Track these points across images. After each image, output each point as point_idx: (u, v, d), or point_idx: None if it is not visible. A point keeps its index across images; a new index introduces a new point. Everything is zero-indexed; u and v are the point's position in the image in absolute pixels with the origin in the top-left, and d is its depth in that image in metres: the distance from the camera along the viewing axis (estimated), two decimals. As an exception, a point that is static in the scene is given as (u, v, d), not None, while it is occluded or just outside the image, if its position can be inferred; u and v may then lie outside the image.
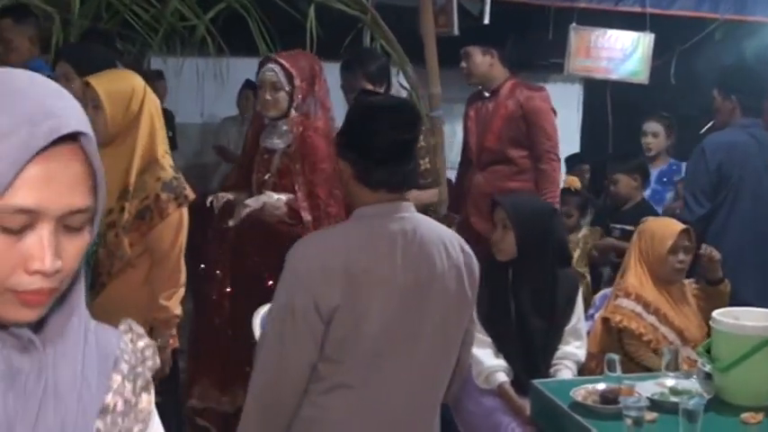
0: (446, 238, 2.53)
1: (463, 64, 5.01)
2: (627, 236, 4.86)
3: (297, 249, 2.46)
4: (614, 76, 7.31)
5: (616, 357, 3.25)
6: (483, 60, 4.95)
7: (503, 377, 3.59)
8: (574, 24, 7.20)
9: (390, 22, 5.84)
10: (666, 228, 4.02)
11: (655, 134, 6.20)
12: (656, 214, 5.27)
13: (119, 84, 3.34)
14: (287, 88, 3.89)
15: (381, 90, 4.40)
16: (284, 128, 3.96)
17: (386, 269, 2.39)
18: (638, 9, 7.14)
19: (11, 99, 1.01)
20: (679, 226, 4.00)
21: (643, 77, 7.21)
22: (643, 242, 3.99)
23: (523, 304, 3.67)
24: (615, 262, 5.10)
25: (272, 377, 2.41)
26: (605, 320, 3.90)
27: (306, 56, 4.21)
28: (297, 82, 3.89)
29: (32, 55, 4.59)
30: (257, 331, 3.28)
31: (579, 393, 3.16)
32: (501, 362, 3.62)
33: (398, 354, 2.43)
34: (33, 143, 0.99)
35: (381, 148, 2.43)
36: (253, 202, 3.82)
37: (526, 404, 3.48)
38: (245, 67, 5.73)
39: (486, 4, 6.04)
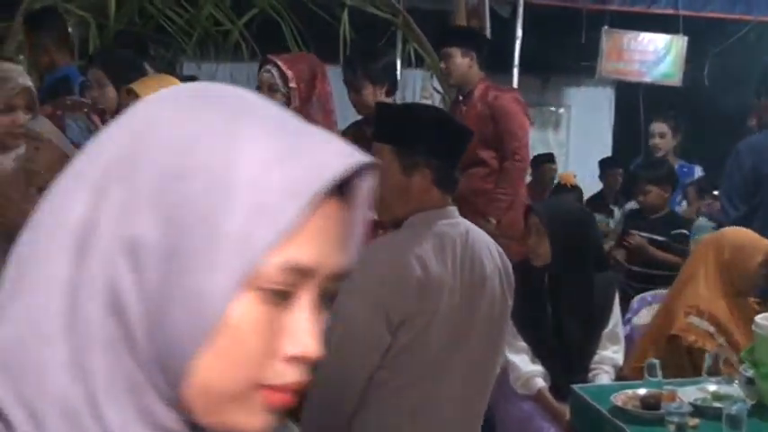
0: (489, 242, 2.54)
1: (442, 64, 4.97)
2: (654, 245, 4.87)
3: (367, 258, 2.40)
4: (647, 79, 7.29)
5: (656, 362, 3.22)
6: (462, 62, 4.86)
7: (540, 383, 3.57)
8: (606, 27, 7.19)
9: (422, 26, 5.84)
10: (755, 240, 3.87)
11: (662, 135, 6.10)
12: (687, 226, 5.20)
13: (160, 90, 3.36)
14: (283, 90, 3.85)
15: (383, 91, 4.28)
16: None
17: (448, 275, 2.37)
18: (671, 11, 7.11)
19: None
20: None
21: (676, 80, 7.18)
22: (726, 254, 3.83)
23: (560, 309, 3.64)
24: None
25: (332, 389, 2.36)
26: (674, 338, 3.77)
27: (307, 58, 4.17)
28: (292, 84, 3.85)
29: (61, 57, 4.60)
30: None
31: (619, 398, 3.12)
32: (538, 367, 3.60)
33: (455, 359, 2.42)
34: (327, 174, 0.73)
35: (458, 150, 2.50)
36: None
37: (565, 409, 3.46)
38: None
39: (520, 6, 6.01)
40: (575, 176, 6.65)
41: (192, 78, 6.74)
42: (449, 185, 2.46)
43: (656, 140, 6.11)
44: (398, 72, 6.74)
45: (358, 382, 2.37)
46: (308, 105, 3.87)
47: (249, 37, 5.64)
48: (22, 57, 4.84)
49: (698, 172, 6.01)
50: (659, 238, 4.98)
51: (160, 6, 5.58)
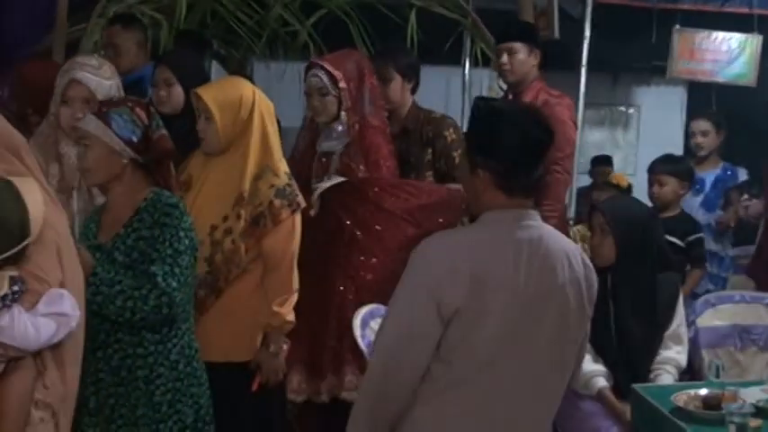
0: (570, 251, 2.50)
1: (504, 59, 4.62)
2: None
3: (423, 249, 2.45)
4: (720, 79, 7.16)
5: (719, 362, 3.20)
6: (527, 60, 4.62)
7: (602, 382, 3.57)
8: (677, 26, 7.09)
9: (490, 26, 5.85)
10: None
11: (704, 132, 5.73)
12: (698, 230, 4.98)
13: (227, 92, 3.44)
14: (334, 92, 3.84)
15: (410, 86, 4.32)
16: (339, 129, 3.91)
17: (510, 276, 2.37)
18: (745, 10, 6.99)
19: None
20: None
21: (750, 80, 7.05)
22: None
23: (624, 309, 3.63)
24: None
25: (386, 375, 2.41)
26: None
27: (352, 55, 4.10)
28: (342, 84, 3.84)
29: (140, 59, 4.74)
30: (357, 331, 3.32)
31: (680, 398, 3.11)
32: (600, 367, 3.59)
33: (512, 361, 2.41)
34: None
35: (524, 152, 2.41)
36: (321, 183, 3.86)
37: (626, 409, 3.44)
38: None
39: (588, 6, 5.96)
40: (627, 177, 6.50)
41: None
42: (514, 189, 2.42)
43: (699, 139, 5.77)
44: (466, 71, 6.81)
45: (412, 368, 2.38)
46: (359, 104, 3.89)
47: (317, 37, 5.70)
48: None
49: (742, 175, 5.73)
50: (677, 241, 4.73)
51: (231, 8, 5.67)
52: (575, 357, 2.57)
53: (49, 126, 3.41)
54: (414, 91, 4.39)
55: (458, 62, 6.85)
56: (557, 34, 5.90)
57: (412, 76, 4.33)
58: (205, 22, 5.71)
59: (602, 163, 7.67)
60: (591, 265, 2.57)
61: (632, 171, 8.09)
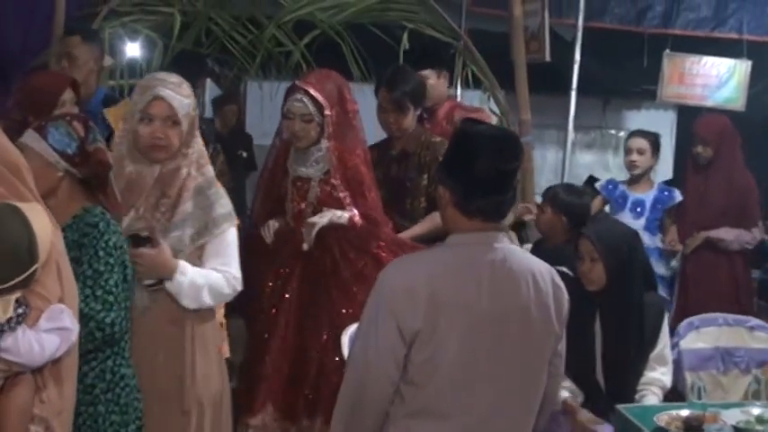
0: (536, 270, 2.52)
1: None
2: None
3: (386, 270, 2.51)
4: (709, 103, 7.22)
5: (702, 384, 3.23)
6: (438, 83, 4.76)
7: (565, 393, 3.58)
8: (668, 51, 7.15)
9: (482, 48, 5.90)
10: None
11: (640, 151, 5.63)
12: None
13: None
14: (317, 119, 3.71)
15: (418, 113, 4.27)
16: (318, 154, 3.80)
17: (469, 297, 2.40)
18: (735, 35, 7.06)
19: None
20: None
21: (739, 105, 7.12)
22: None
23: (612, 331, 3.65)
24: None
25: (357, 390, 2.47)
26: None
27: (331, 76, 3.89)
28: (327, 111, 3.71)
29: (93, 76, 4.62)
30: (345, 349, 3.33)
31: (662, 419, 3.14)
32: (566, 382, 3.58)
33: (480, 382, 2.44)
34: None
35: (482, 178, 2.43)
36: (318, 219, 3.72)
37: (589, 416, 3.47)
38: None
39: (578, 30, 6.03)
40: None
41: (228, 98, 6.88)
42: (472, 211, 2.46)
43: (634, 157, 5.64)
44: (458, 93, 6.85)
45: (379, 384, 2.43)
46: (340, 128, 3.79)
47: (310, 57, 5.75)
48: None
49: (678, 197, 5.64)
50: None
51: (225, 27, 5.72)
52: (544, 374, 2.58)
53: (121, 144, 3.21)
54: (421, 117, 4.41)
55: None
56: (548, 57, 5.97)
57: (421, 103, 4.33)
58: (200, 41, 5.75)
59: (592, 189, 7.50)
60: (561, 284, 2.59)
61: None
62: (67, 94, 3.91)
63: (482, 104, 5.81)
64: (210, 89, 7.94)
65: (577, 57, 5.99)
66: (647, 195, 5.65)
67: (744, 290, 5.56)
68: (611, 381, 3.66)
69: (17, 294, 2.25)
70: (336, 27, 5.71)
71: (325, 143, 3.77)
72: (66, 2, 5.19)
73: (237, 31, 5.74)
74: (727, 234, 5.43)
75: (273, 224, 3.86)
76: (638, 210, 5.59)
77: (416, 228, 4.10)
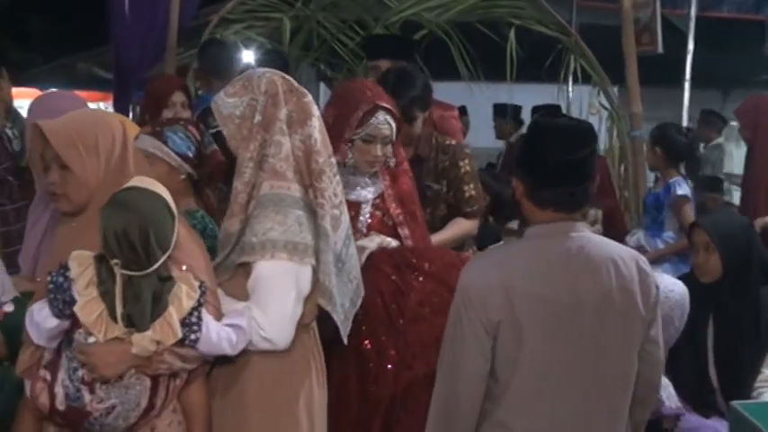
0: (618, 257, 2.48)
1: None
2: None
3: (466, 268, 2.53)
4: (835, 90, 6.95)
5: (824, 381, 3.11)
6: None
7: None
8: (789, 38, 6.92)
9: (592, 42, 5.83)
10: None
11: None
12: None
13: None
14: (393, 141, 3.24)
15: (426, 115, 3.79)
16: (372, 176, 3.30)
17: (546, 287, 2.39)
18: None
19: None
20: None
21: None
22: None
23: (727, 325, 3.56)
24: None
25: (450, 392, 2.47)
26: None
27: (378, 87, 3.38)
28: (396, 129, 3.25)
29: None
30: None
31: (779, 416, 3.04)
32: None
33: (565, 373, 2.42)
34: None
35: (550, 169, 2.43)
36: (368, 243, 3.18)
37: None
38: (446, 91, 5.86)
39: (691, 20, 5.89)
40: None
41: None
42: (544, 202, 2.45)
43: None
44: (570, 88, 6.78)
45: (470, 379, 2.43)
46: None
47: (418, 57, 5.78)
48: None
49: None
50: None
51: (333, 31, 5.82)
52: (632, 362, 2.52)
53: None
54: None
55: (556, 80, 6.83)
56: (660, 49, 5.85)
57: (429, 105, 3.87)
58: (308, 45, 5.87)
59: (711, 188, 7.09)
60: (648, 269, 2.53)
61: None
62: (177, 97, 4.12)
63: (591, 99, 5.76)
64: (325, 92, 8.07)
65: (690, 47, 5.86)
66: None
67: None
68: (724, 377, 3.57)
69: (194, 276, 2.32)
70: (443, 26, 5.74)
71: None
72: (180, 13, 5.38)
73: (345, 33, 5.83)
74: None
75: None
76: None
77: (444, 233, 3.74)
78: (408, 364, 3.05)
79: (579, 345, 2.42)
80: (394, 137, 3.20)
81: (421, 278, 3.12)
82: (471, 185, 3.80)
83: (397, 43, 4.77)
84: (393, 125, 3.17)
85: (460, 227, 3.74)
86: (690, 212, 4.99)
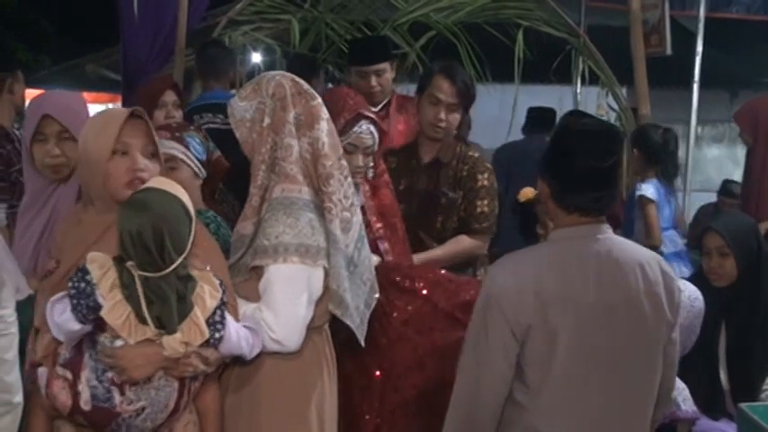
0: (644, 260, 2.49)
1: (373, 82, 4.26)
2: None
3: (491, 271, 2.52)
4: None
5: (830, 384, 3.10)
6: (392, 74, 4.35)
7: None
8: (799, 39, 6.91)
9: (600, 43, 5.82)
10: None
11: None
12: None
13: None
14: (376, 149, 3.16)
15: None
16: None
17: (576, 291, 2.39)
18: None
19: None
20: None
21: None
22: None
23: (739, 327, 3.55)
24: None
25: (470, 394, 2.46)
26: None
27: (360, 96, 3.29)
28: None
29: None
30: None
31: (786, 420, 3.03)
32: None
33: (596, 375, 2.42)
34: None
35: (576, 174, 2.43)
36: None
37: None
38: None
39: (700, 21, 5.88)
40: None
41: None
42: (569, 206, 2.46)
43: None
44: (578, 90, 6.77)
45: (491, 384, 2.42)
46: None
47: (426, 58, 5.78)
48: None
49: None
50: None
51: (341, 32, 5.82)
52: (659, 363, 2.53)
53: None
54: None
55: (564, 81, 6.82)
56: (669, 51, 5.84)
57: (471, 105, 3.83)
58: (317, 46, 5.87)
59: (727, 193, 7.07)
60: (671, 272, 2.55)
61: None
62: (169, 96, 4.09)
63: (600, 100, 5.76)
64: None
65: (699, 48, 5.84)
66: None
67: None
68: (734, 379, 3.56)
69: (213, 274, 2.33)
70: (451, 27, 5.74)
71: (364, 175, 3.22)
72: (188, 15, 5.39)
73: (353, 34, 5.83)
74: None
75: None
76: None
77: (438, 250, 3.62)
78: (394, 385, 3.03)
79: (609, 348, 2.42)
80: (376, 147, 3.11)
81: (404, 297, 3.08)
82: (485, 201, 3.70)
83: (391, 45, 4.83)
84: (376, 135, 3.08)
85: (459, 245, 3.67)
86: (652, 214, 5.00)
